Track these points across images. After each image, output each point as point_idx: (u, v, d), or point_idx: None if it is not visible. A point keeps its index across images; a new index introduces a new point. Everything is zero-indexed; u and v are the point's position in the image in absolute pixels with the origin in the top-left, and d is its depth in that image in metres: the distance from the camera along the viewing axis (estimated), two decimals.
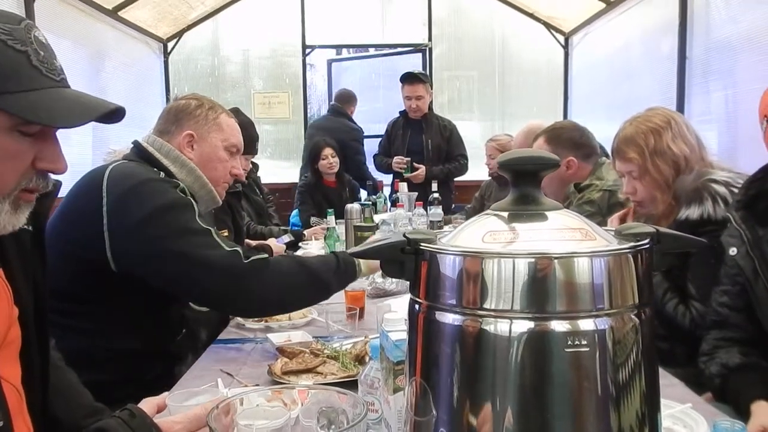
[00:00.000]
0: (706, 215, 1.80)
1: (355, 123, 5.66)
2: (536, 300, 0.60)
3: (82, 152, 4.40)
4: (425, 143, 4.94)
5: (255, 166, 4.33)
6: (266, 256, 1.66)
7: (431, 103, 5.09)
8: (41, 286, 1.18)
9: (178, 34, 6.12)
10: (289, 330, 1.97)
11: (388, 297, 2.34)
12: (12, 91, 0.93)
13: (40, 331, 1.17)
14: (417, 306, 0.69)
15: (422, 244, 0.66)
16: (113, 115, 1.04)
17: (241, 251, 1.60)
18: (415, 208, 3.86)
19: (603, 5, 5.07)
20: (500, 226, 0.67)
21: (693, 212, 1.81)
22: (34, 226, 1.16)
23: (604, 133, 3.03)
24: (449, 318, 0.64)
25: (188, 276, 1.57)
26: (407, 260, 0.67)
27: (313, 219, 4.47)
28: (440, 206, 4.16)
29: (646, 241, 0.64)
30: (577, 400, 0.61)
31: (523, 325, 0.61)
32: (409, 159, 4.91)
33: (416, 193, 4.19)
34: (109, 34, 5.04)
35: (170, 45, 6.14)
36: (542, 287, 0.60)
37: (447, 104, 6.30)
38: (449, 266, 0.64)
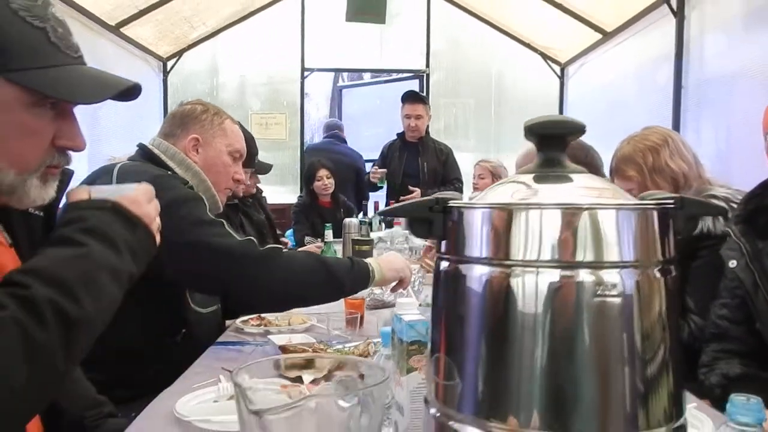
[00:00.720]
0: (705, 230, 1.82)
1: None
2: (564, 250, 0.61)
3: (78, 166, 4.37)
4: (421, 166, 4.98)
5: (258, 190, 4.36)
6: (281, 246, 1.68)
7: (428, 127, 5.15)
8: None
9: (178, 53, 6.18)
10: (289, 334, 1.96)
11: (387, 308, 2.34)
12: (31, 67, 0.94)
13: None
14: (445, 263, 0.70)
15: (450, 201, 0.68)
16: (129, 93, 1.05)
17: (255, 241, 1.63)
18: None
19: (599, 36, 5.18)
20: (527, 186, 0.68)
21: None
22: (45, 213, 1.17)
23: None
24: (477, 270, 0.65)
25: (206, 264, 1.59)
26: (435, 218, 0.68)
27: (307, 238, 4.47)
28: None
29: (671, 201, 0.66)
30: (603, 349, 0.62)
31: (550, 275, 0.62)
32: (384, 170, 4.95)
33: None
34: (111, 50, 5.07)
35: (170, 63, 6.19)
36: (570, 237, 0.61)
37: (443, 130, 6.36)
38: (477, 220, 0.66)
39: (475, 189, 4.37)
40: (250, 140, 3.20)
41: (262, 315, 2.15)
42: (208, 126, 1.88)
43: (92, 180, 1.71)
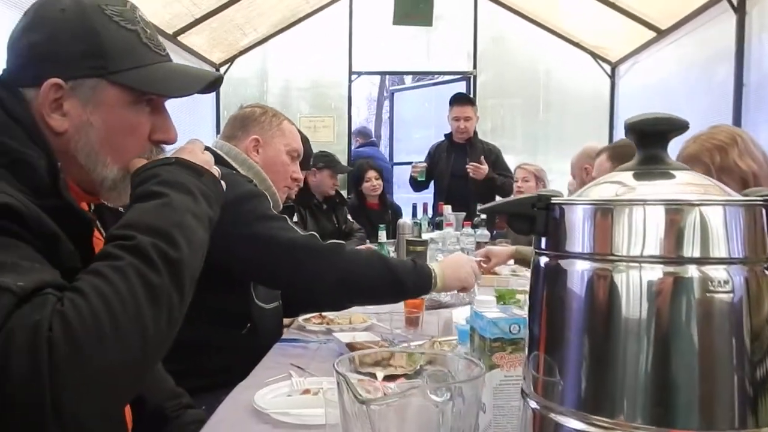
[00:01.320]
0: None
1: None
2: (669, 246, 0.62)
3: None
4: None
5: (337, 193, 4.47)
6: (343, 243, 1.71)
7: (476, 129, 5.13)
8: None
9: (230, 59, 6.31)
10: (352, 332, 1.98)
11: (443, 309, 2.35)
12: (129, 68, 1.01)
13: None
14: (546, 258, 0.71)
15: (553, 198, 0.68)
16: (214, 84, 1.12)
17: (317, 236, 1.67)
18: (463, 227, 3.87)
19: (652, 34, 5.08)
20: (629, 183, 0.69)
21: None
22: None
23: None
24: (579, 266, 0.66)
25: (270, 256, 1.66)
26: (538, 215, 0.69)
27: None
28: (486, 228, 4.17)
29: None
30: (710, 346, 0.62)
31: (655, 271, 0.62)
32: (425, 164, 4.95)
33: (464, 213, 4.20)
34: None
35: (222, 69, 6.32)
36: (676, 233, 0.61)
37: (490, 131, 6.34)
38: (581, 217, 0.66)
39: (519, 192, 4.33)
40: (304, 141, 3.26)
41: (323, 314, 2.18)
42: (267, 127, 1.98)
43: None
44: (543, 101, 6.42)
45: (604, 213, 0.64)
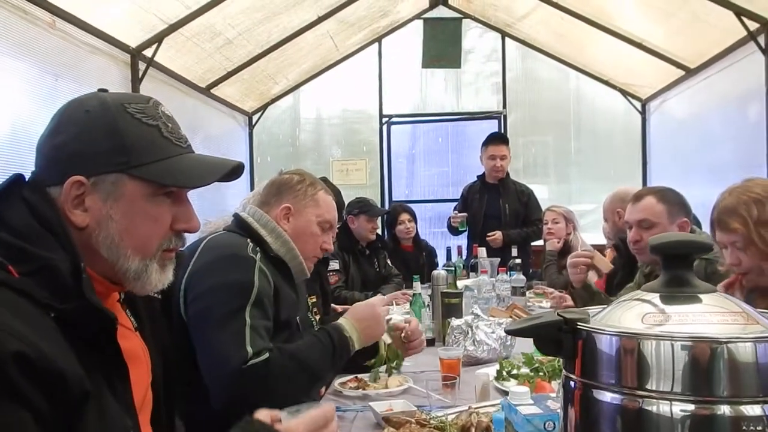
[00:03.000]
0: None
1: None
2: (700, 384, 0.62)
3: None
4: (503, 208, 4.94)
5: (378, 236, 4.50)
6: (267, 357, 1.66)
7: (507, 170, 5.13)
8: (170, 353, 1.25)
9: (263, 108, 6.45)
10: (388, 398, 1.98)
11: (481, 365, 2.34)
12: (150, 162, 1.04)
13: (168, 397, 1.23)
14: (573, 383, 0.71)
15: (579, 323, 0.70)
16: (234, 172, 1.14)
17: (252, 354, 1.64)
18: (498, 273, 3.85)
19: (681, 72, 5.05)
20: (655, 308, 0.69)
21: None
22: (162, 294, 1.24)
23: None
24: (608, 396, 0.67)
25: (205, 367, 1.67)
26: (565, 339, 0.70)
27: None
28: (521, 272, 4.14)
29: None
30: None
31: (685, 408, 0.62)
32: (465, 215, 4.95)
33: (498, 259, 4.18)
34: (201, 109, 5.38)
35: (255, 117, 6.47)
36: (706, 371, 0.62)
37: (522, 170, 6.33)
38: (608, 346, 0.67)
39: (549, 234, 4.30)
40: (336, 194, 3.31)
41: (359, 377, 2.18)
42: (302, 196, 1.99)
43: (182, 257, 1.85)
44: (574, 137, 6.40)
45: (632, 345, 0.65)
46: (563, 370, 0.73)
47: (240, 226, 1.94)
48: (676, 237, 0.69)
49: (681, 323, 0.67)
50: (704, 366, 0.62)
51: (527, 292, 3.97)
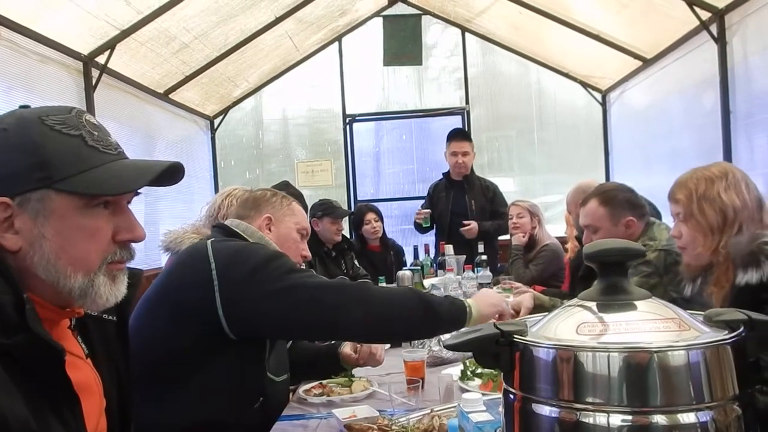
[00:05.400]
0: (765, 279, 1.76)
1: None
2: (635, 394, 0.61)
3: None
4: (469, 204, 4.95)
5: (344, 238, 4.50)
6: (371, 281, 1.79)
7: (472, 165, 5.14)
8: (124, 377, 1.20)
9: (224, 111, 6.37)
10: (352, 404, 1.97)
11: (446, 365, 2.34)
12: (75, 173, 0.98)
13: (124, 423, 1.19)
14: (512, 396, 0.70)
15: (516, 336, 0.68)
16: (172, 175, 1.07)
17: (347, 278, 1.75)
18: (464, 271, 3.86)
19: (639, 63, 5.12)
20: (591, 317, 0.68)
21: (752, 277, 1.77)
22: (118, 317, 1.20)
23: (646, 188, 3.03)
24: (546, 410, 0.66)
25: (304, 304, 1.70)
26: (502, 352, 0.69)
27: None
28: (488, 267, 4.16)
29: (741, 329, 0.65)
30: None
31: (622, 419, 0.62)
32: (428, 211, 4.96)
33: (464, 256, 4.19)
34: (160, 115, 5.28)
35: (216, 121, 6.39)
36: (640, 381, 0.61)
37: (487, 165, 6.35)
38: (545, 359, 0.66)
39: (515, 228, 4.32)
40: (298, 196, 3.29)
41: (323, 383, 2.17)
42: (279, 207, 2.08)
43: (185, 259, 1.86)
44: (537, 130, 6.45)
45: (567, 356, 0.64)
46: (504, 387, 0.72)
47: (228, 234, 1.98)
48: (607, 245, 0.68)
49: (616, 332, 0.66)
50: (638, 376, 0.61)
51: (495, 288, 3.98)
